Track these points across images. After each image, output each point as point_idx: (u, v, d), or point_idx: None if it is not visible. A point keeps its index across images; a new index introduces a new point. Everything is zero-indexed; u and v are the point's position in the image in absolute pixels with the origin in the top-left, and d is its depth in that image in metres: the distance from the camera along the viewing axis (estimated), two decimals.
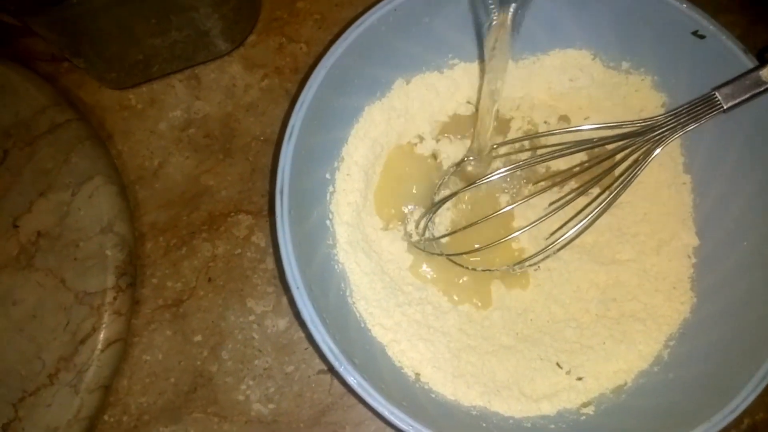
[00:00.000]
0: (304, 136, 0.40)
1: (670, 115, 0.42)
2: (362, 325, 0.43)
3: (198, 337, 0.48)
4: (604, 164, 0.45)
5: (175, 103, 0.52)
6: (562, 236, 0.44)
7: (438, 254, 0.46)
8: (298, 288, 0.37)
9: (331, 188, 0.45)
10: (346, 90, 0.43)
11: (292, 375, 0.47)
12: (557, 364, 0.43)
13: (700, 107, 0.41)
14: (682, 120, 0.41)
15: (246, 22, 0.53)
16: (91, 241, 0.47)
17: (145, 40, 0.48)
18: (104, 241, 0.47)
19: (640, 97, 0.48)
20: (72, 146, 0.49)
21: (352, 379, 0.36)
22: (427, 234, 0.46)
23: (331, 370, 0.46)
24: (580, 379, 0.43)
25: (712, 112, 0.41)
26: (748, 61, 0.41)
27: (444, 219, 0.48)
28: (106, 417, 0.46)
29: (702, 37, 0.42)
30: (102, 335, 0.45)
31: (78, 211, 0.47)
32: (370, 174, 0.46)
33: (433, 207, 0.46)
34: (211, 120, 0.52)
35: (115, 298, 0.46)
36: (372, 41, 0.43)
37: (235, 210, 0.50)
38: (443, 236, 0.46)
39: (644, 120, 0.43)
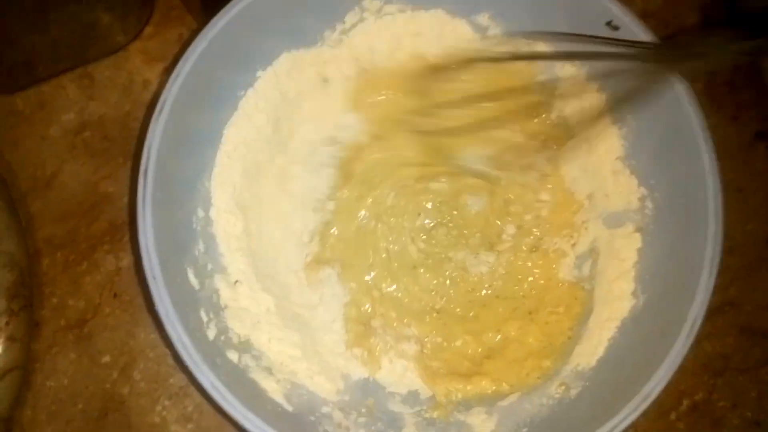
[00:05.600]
0: (178, 115, 0.37)
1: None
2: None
3: (106, 358, 0.44)
4: None
5: (67, 105, 0.48)
6: None
7: None
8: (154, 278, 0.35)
9: (212, 172, 0.42)
10: (230, 64, 0.40)
11: None
12: None
13: None
14: None
15: (140, 12, 0.49)
16: None
17: (22, 39, 0.44)
18: None
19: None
20: None
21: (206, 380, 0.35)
22: None
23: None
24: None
25: None
26: None
27: None
28: None
29: (616, 28, 0.39)
30: None
31: None
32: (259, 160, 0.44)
33: None
34: (108, 121, 0.48)
35: (7, 323, 0.42)
36: (261, 13, 0.39)
37: None
38: None
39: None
